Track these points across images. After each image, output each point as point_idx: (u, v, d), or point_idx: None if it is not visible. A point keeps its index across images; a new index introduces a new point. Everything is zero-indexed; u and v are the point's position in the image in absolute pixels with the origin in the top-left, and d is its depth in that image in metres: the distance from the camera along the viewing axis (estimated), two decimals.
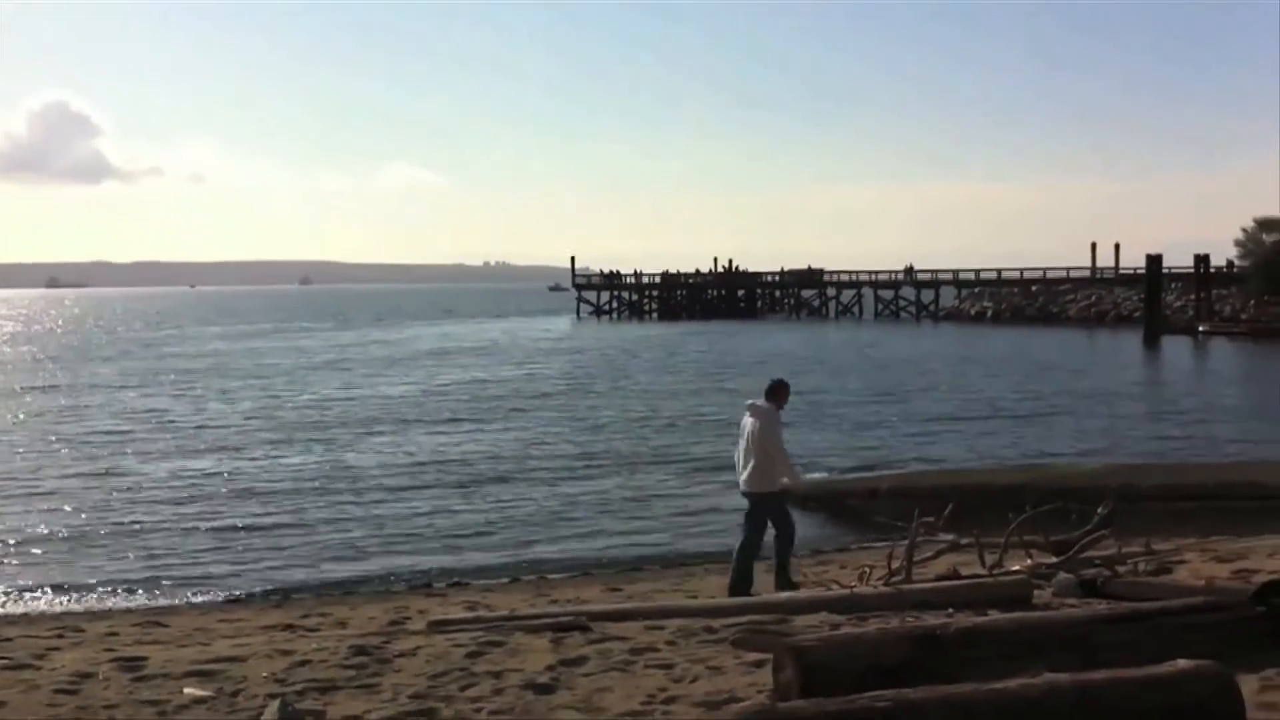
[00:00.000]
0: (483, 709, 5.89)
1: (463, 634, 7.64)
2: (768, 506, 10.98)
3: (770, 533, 11.11)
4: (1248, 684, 5.70)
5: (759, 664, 6.36)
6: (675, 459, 23.80)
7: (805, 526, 17.37)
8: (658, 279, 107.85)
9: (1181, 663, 5.21)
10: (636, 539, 16.87)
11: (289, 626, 10.09)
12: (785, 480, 11.05)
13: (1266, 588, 7.00)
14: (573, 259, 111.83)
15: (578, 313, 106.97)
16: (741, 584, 10.83)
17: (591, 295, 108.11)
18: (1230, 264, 78.37)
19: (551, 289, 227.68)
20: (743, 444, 11.04)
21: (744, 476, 11.05)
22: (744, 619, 7.74)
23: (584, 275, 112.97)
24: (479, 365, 52.02)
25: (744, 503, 11.40)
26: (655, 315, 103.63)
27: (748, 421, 11.04)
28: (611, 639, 7.32)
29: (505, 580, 13.85)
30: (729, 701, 5.66)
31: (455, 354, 60.53)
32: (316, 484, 21.13)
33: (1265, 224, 79.40)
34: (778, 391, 11.18)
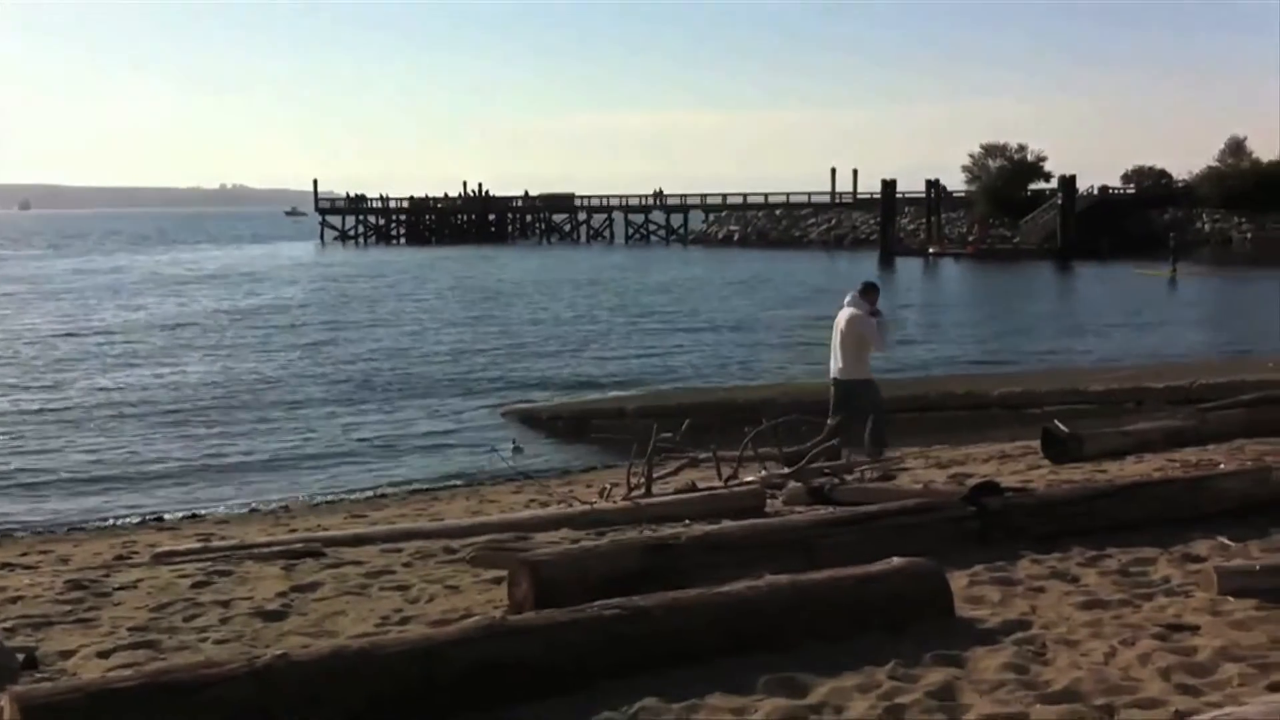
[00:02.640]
0: (208, 638, 5.69)
1: (189, 565, 7.37)
2: (859, 391, 12.21)
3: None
4: (957, 579, 6.03)
5: (497, 581, 6.35)
6: (426, 388, 23.51)
7: (554, 448, 17.56)
8: (405, 203, 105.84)
9: (896, 560, 5.48)
10: (383, 465, 16.65)
11: (4, 565, 9.51)
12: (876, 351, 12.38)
13: (978, 489, 7.42)
14: (315, 182, 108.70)
15: (321, 238, 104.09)
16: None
17: (336, 220, 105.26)
18: (944, 189, 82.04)
19: (289, 214, 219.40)
20: (836, 338, 12.28)
21: (837, 366, 12.26)
22: (483, 538, 7.72)
23: (327, 199, 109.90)
24: (215, 294, 49.96)
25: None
26: (403, 240, 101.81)
27: (843, 317, 12.25)
28: (347, 564, 7.19)
29: (243, 511, 13.45)
30: (464, 619, 5.64)
31: (189, 282, 57.87)
32: (35, 421, 19.98)
33: (991, 150, 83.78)
34: (869, 291, 12.52)
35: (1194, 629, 5.27)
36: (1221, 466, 8.98)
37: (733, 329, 33.89)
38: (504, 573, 6.05)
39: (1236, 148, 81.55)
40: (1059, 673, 4.69)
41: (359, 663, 4.37)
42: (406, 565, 7.14)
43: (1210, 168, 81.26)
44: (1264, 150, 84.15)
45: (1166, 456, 10.15)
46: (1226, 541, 6.92)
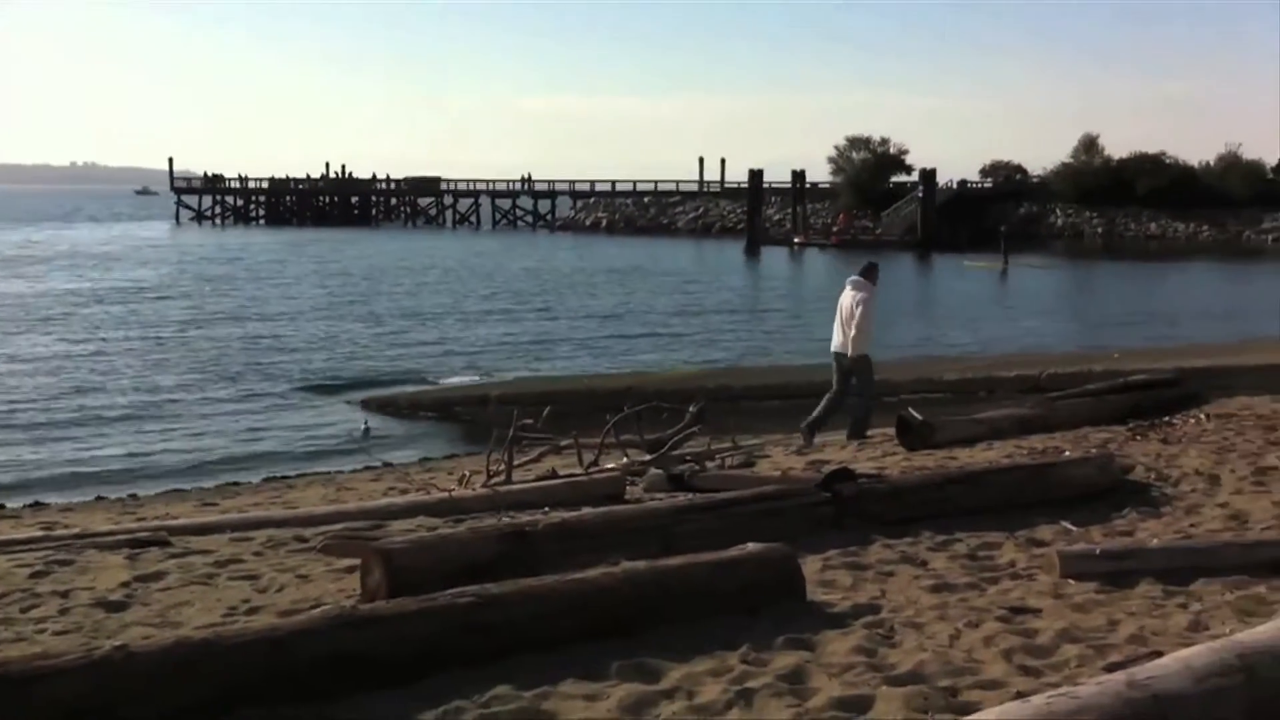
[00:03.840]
0: (46, 629, 5.48)
1: (28, 553, 7.08)
2: (857, 368, 12.77)
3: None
4: (811, 564, 6.12)
5: (350, 570, 6.24)
6: (285, 375, 23.02)
7: (415, 436, 17.34)
8: (265, 184, 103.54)
9: (750, 546, 5.53)
10: (238, 453, 16.28)
11: None
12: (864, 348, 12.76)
13: (833, 476, 7.53)
14: (171, 160, 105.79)
15: (177, 218, 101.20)
16: (820, 424, 12.79)
17: (192, 200, 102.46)
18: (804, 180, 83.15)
19: (139, 192, 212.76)
20: (840, 314, 12.92)
21: (838, 340, 12.90)
22: (337, 526, 7.59)
23: (183, 178, 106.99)
24: (65, 276, 48.06)
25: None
26: (262, 222, 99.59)
27: (847, 295, 12.87)
28: (194, 553, 6.99)
29: (89, 499, 13.00)
30: (315, 608, 5.52)
31: (38, 263, 55.68)
32: None
33: (855, 142, 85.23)
34: (872, 272, 13.13)
35: (1036, 612, 5.43)
36: (1067, 454, 9.25)
37: (600, 317, 33.89)
38: (357, 561, 5.95)
39: (1089, 145, 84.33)
40: (905, 655, 4.79)
41: (202, 654, 4.25)
42: (257, 554, 6.96)
43: (1064, 164, 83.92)
44: (1115, 147, 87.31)
45: (1015, 444, 10.42)
46: (1069, 526, 7.14)
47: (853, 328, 12.63)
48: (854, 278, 13.05)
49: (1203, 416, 11.38)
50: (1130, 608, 5.46)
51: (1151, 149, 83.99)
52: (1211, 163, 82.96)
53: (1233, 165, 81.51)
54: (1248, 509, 7.45)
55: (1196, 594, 5.64)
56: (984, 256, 55.24)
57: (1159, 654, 4.38)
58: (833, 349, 13.04)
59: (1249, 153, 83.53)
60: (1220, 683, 3.44)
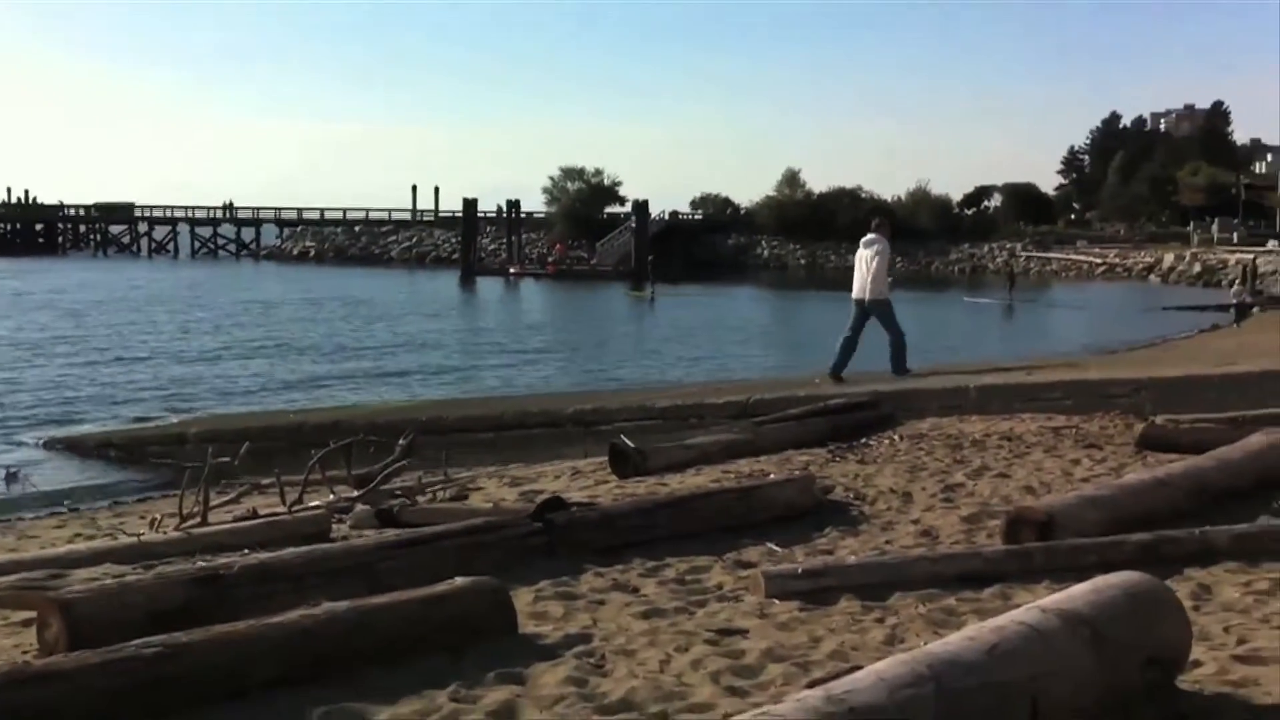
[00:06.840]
0: None
1: None
2: (877, 310, 15.12)
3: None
4: (522, 596, 6.04)
5: (27, 624, 5.77)
6: None
7: (104, 479, 16.25)
8: None
9: (459, 580, 5.40)
10: None
11: None
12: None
13: (544, 505, 7.48)
14: None
15: None
16: (841, 366, 15.21)
17: None
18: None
19: None
20: (860, 266, 15.31)
21: (857, 288, 15.24)
22: (13, 577, 7.00)
23: None
24: None
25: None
26: None
27: (863, 250, 15.33)
28: None
29: None
30: None
31: None
32: None
33: (569, 173, 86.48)
34: (883, 227, 15.44)
35: (743, 632, 5.51)
36: (771, 476, 9.52)
37: (311, 350, 32.95)
38: (33, 614, 5.50)
39: (792, 179, 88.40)
40: (616, 683, 4.76)
41: None
42: None
43: (769, 197, 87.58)
44: (816, 182, 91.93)
45: (723, 468, 10.64)
46: (774, 547, 7.31)
47: (870, 276, 14.85)
48: (867, 236, 15.30)
49: (896, 437, 11.94)
50: (831, 624, 5.61)
51: (850, 184, 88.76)
52: (903, 197, 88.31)
53: (922, 200, 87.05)
54: (938, 524, 7.82)
55: (893, 608, 5.85)
56: (642, 286, 58.36)
57: (858, 668, 4.51)
58: (853, 296, 15.42)
59: (936, 189, 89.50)
60: (911, 693, 3.55)
